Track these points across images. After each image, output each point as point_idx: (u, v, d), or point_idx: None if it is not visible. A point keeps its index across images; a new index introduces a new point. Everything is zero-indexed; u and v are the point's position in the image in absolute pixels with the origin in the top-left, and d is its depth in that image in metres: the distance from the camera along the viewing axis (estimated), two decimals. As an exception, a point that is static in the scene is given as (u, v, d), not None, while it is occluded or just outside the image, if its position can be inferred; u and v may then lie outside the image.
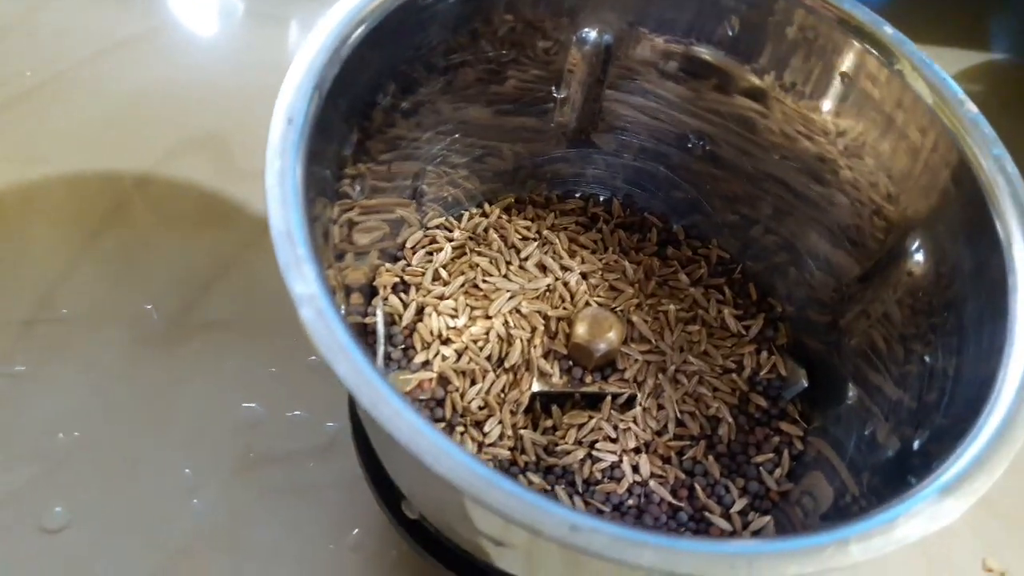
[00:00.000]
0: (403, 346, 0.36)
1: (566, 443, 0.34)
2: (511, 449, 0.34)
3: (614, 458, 0.34)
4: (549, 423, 0.35)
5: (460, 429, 0.34)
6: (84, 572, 0.36)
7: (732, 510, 0.34)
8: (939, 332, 0.30)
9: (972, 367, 0.28)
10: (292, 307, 0.23)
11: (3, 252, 0.43)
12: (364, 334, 0.35)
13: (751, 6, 0.34)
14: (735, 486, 0.35)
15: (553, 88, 0.37)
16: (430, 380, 0.35)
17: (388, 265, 0.37)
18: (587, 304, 0.37)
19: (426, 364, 0.35)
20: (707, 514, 0.34)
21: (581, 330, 0.36)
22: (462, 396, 0.35)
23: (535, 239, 0.39)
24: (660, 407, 0.36)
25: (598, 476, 0.34)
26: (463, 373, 0.35)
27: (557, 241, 0.39)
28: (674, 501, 0.34)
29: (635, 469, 0.34)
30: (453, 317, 0.36)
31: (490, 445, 0.34)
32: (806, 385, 0.37)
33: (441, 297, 0.37)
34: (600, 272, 0.39)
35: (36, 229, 0.44)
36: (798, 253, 0.38)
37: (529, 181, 0.41)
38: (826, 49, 0.33)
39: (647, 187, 0.41)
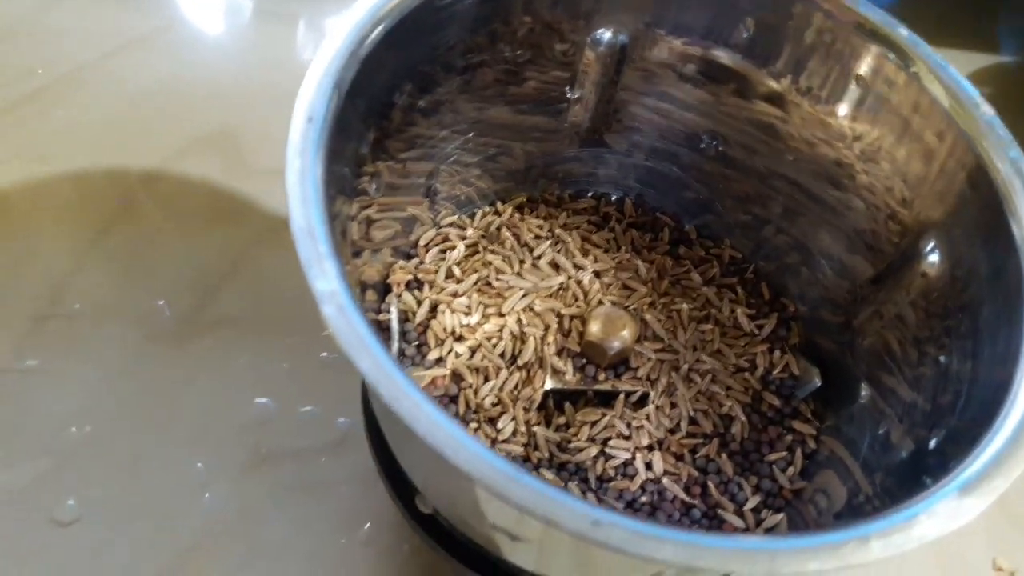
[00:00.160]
0: (417, 343, 0.36)
1: (579, 440, 0.35)
2: (524, 446, 0.34)
3: (627, 455, 0.34)
4: (562, 420, 0.35)
5: (473, 426, 0.34)
6: (95, 565, 0.36)
7: (745, 507, 0.34)
8: (954, 335, 0.30)
9: (988, 370, 0.28)
10: (303, 303, 0.23)
11: (13, 249, 0.43)
12: (378, 331, 0.36)
13: (768, 9, 0.34)
14: (748, 484, 0.35)
15: (567, 88, 0.38)
16: (443, 377, 0.35)
17: (402, 263, 0.38)
18: (600, 302, 0.38)
19: (439, 361, 0.35)
20: (720, 511, 0.34)
21: (595, 328, 0.36)
22: (475, 393, 0.35)
23: (548, 238, 0.40)
24: (673, 405, 0.36)
25: (611, 473, 0.34)
26: (476, 370, 0.35)
27: (570, 240, 0.39)
28: (687, 498, 0.34)
29: (648, 466, 0.34)
30: (466, 314, 0.36)
31: (503, 442, 0.34)
32: (819, 384, 0.37)
33: (455, 295, 0.37)
34: (613, 271, 0.39)
35: (46, 226, 0.44)
36: (810, 254, 0.38)
37: (541, 180, 0.41)
38: (843, 52, 0.33)
39: (659, 187, 0.41)
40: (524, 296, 0.37)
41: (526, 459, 0.34)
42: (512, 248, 0.39)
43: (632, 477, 0.34)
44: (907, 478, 0.29)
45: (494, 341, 0.36)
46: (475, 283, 0.37)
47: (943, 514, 0.23)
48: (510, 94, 0.37)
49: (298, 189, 0.25)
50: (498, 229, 0.40)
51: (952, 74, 0.31)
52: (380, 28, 0.29)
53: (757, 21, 0.35)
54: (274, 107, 0.27)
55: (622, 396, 0.36)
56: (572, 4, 0.35)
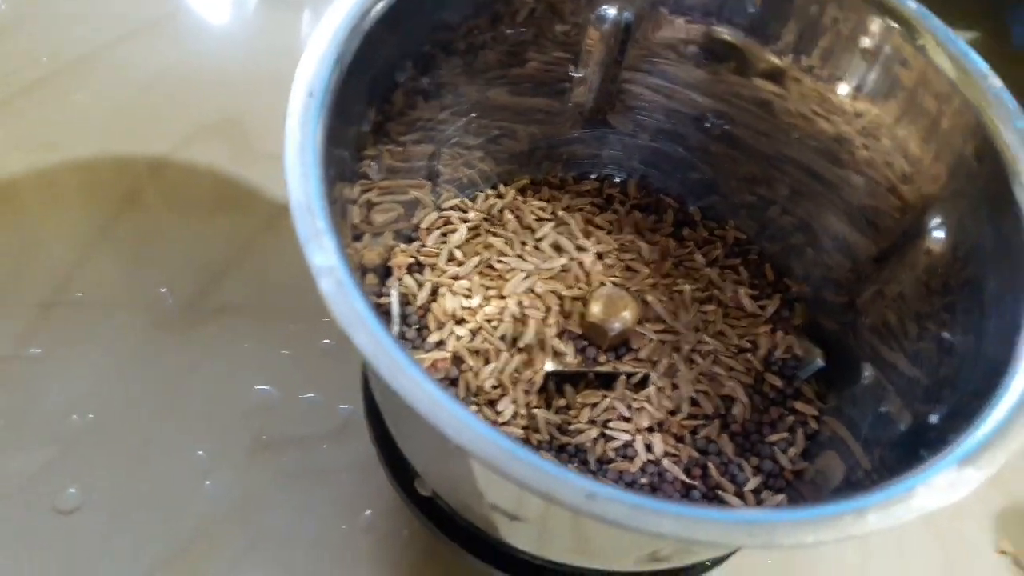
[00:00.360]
0: (417, 326, 0.36)
1: (579, 422, 0.34)
2: (524, 428, 0.34)
3: (628, 437, 0.34)
4: (563, 402, 0.35)
5: (474, 408, 0.34)
6: (97, 553, 0.36)
7: (746, 488, 0.34)
8: (958, 310, 0.30)
9: (991, 345, 0.28)
10: (305, 290, 0.23)
11: (20, 236, 0.43)
12: (378, 311, 0.35)
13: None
14: (749, 465, 0.35)
15: (571, 67, 0.37)
16: (444, 359, 0.35)
17: (403, 246, 0.37)
18: (602, 284, 0.37)
19: (440, 344, 0.35)
20: (721, 492, 0.34)
21: (596, 309, 0.36)
22: (476, 375, 0.35)
23: (550, 220, 0.39)
24: (674, 386, 0.36)
25: (611, 455, 0.34)
26: (477, 353, 0.35)
27: (572, 222, 0.39)
28: (688, 480, 0.34)
29: (648, 448, 0.34)
30: (467, 297, 0.36)
31: (504, 424, 0.34)
32: (822, 365, 0.37)
33: (456, 277, 0.37)
34: (615, 252, 0.39)
35: (52, 214, 0.44)
36: (815, 234, 0.38)
37: (544, 162, 0.41)
38: (849, 25, 0.33)
39: (663, 168, 0.41)
40: (526, 278, 0.37)
41: (526, 441, 0.34)
42: (514, 230, 0.39)
43: (632, 459, 0.34)
44: (906, 452, 0.28)
45: (495, 323, 0.36)
46: (476, 265, 0.37)
47: (941, 486, 0.23)
48: (513, 75, 0.37)
49: (297, 164, 0.25)
50: (500, 211, 0.39)
51: (960, 46, 0.31)
52: (382, 4, 0.29)
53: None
54: (280, 94, 0.26)
55: (623, 378, 0.35)
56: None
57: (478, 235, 0.38)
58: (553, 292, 0.37)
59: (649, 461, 0.34)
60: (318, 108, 0.26)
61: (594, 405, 0.35)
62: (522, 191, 0.40)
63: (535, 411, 0.34)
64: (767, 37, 0.35)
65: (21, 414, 0.38)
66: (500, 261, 0.37)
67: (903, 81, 0.32)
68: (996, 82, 0.30)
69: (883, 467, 0.30)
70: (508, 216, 0.39)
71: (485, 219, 0.39)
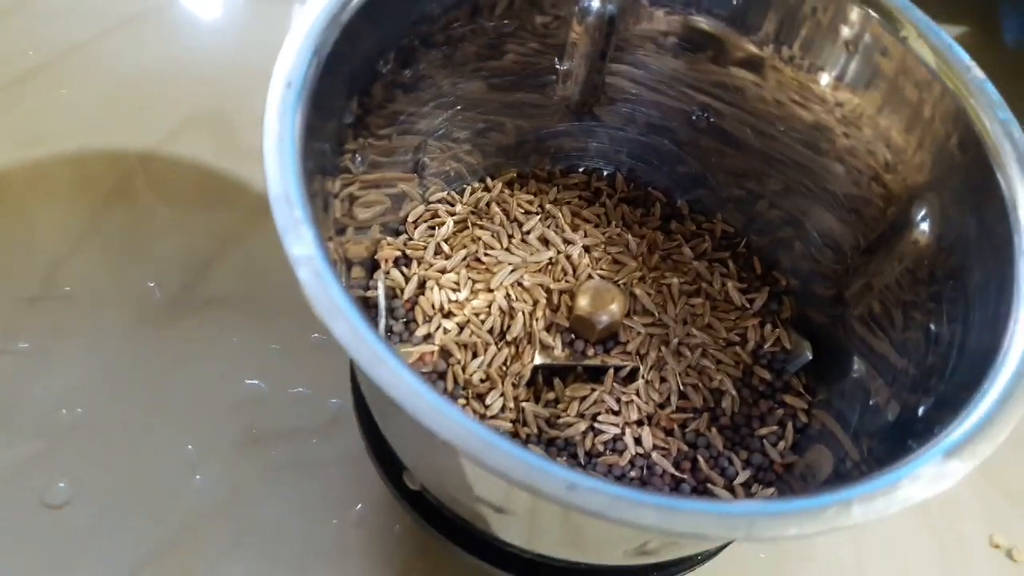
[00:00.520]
0: (405, 319, 0.36)
1: (568, 416, 0.34)
2: (513, 422, 0.34)
3: (616, 430, 0.34)
4: (551, 396, 0.35)
5: (462, 402, 0.34)
6: (86, 547, 0.36)
7: (735, 482, 0.34)
8: (944, 300, 0.30)
9: (978, 334, 0.28)
10: (295, 284, 0.23)
11: (7, 230, 0.43)
12: (366, 308, 0.35)
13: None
14: (738, 458, 0.34)
15: (556, 60, 0.37)
16: (432, 353, 0.35)
17: (390, 239, 0.37)
18: (589, 277, 0.37)
19: (428, 337, 0.35)
20: (710, 486, 0.34)
21: (583, 302, 0.35)
22: (464, 369, 0.35)
23: (537, 213, 0.39)
24: (663, 380, 0.35)
25: (600, 448, 0.34)
26: (465, 346, 0.35)
27: (560, 215, 0.39)
28: (677, 473, 0.34)
29: (637, 441, 0.34)
30: (455, 290, 0.36)
31: (492, 418, 0.34)
32: (811, 358, 0.37)
33: (443, 271, 0.37)
34: (603, 245, 0.39)
35: (39, 208, 0.44)
36: (803, 227, 0.38)
37: (532, 156, 0.41)
38: (829, 14, 0.33)
39: (651, 161, 0.41)
40: (513, 271, 0.37)
41: (515, 435, 0.34)
42: (501, 223, 0.39)
43: (621, 452, 0.34)
44: (895, 443, 0.28)
45: (483, 317, 0.36)
46: (464, 259, 0.37)
47: (927, 477, 0.23)
48: (496, 68, 0.36)
49: (276, 154, 0.25)
50: (488, 205, 0.39)
51: (942, 37, 0.31)
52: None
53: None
54: (268, 88, 0.26)
55: (611, 371, 0.35)
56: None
57: (465, 228, 0.38)
58: (541, 285, 0.37)
59: (638, 454, 0.34)
60: (296, 99, 0.26)
61: (583, 399, 0.35)
62: (509, 184, 0.40)
63: (523, 405, 0.34)
64: (747, 27, 0.35)
65: (9, 408, 0.38)
66: (487, 254, 0.37)
67: (884, 71, 0.32)
68: (979, 73, 0.30)
69: (872, 458, 0.30)
70: (495, 209, 0.39)
71: (472, 212, 0.39)
